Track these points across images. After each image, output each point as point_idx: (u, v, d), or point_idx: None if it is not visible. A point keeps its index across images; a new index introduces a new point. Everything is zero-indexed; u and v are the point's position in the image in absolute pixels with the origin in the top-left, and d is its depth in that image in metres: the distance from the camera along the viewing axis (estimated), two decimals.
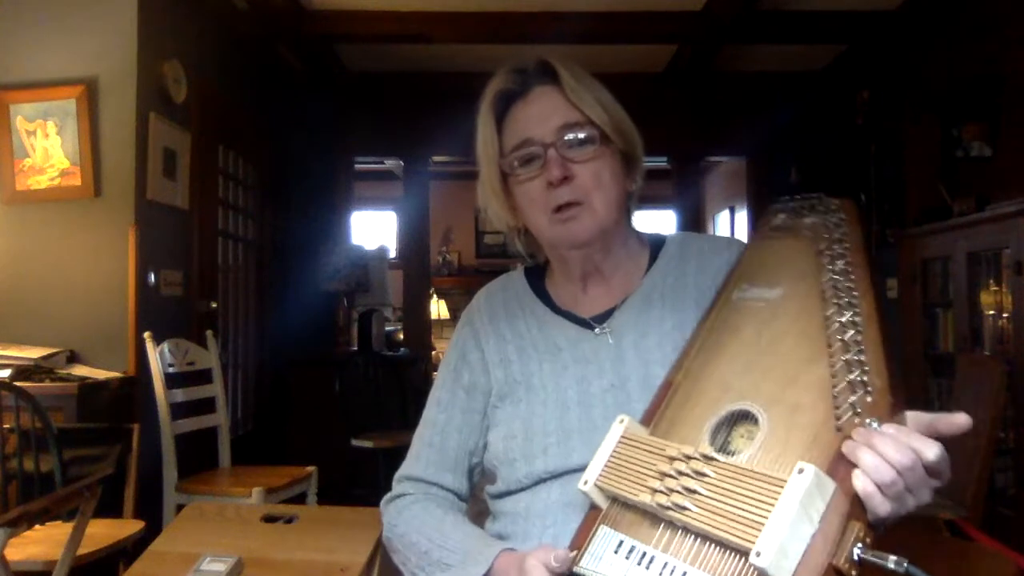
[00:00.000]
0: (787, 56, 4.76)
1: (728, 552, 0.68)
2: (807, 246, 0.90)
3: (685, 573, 0.70)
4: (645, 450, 0.79)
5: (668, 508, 0.72)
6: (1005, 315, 3.10)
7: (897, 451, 0.66)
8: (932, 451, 0.67)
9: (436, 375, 1.14)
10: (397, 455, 1.15)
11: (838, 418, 0.71)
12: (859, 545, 0.64)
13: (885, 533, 0.73)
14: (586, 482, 0.81)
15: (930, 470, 0.68)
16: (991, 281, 3.25)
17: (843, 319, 0.78)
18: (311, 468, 3.08)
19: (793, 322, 0.83)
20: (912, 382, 3.66)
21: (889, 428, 0.69)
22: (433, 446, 1.07)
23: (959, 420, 0.70)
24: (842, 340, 0.76)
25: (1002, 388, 2.59)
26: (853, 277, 0.82)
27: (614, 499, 0.80)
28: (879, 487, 0.66)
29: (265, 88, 4.68)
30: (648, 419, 0.86)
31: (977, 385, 2.72)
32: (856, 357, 0.74)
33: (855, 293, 0.80)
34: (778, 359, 0.80)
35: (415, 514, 1.02)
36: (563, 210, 0.97)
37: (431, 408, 1.11)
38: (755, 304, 0.89)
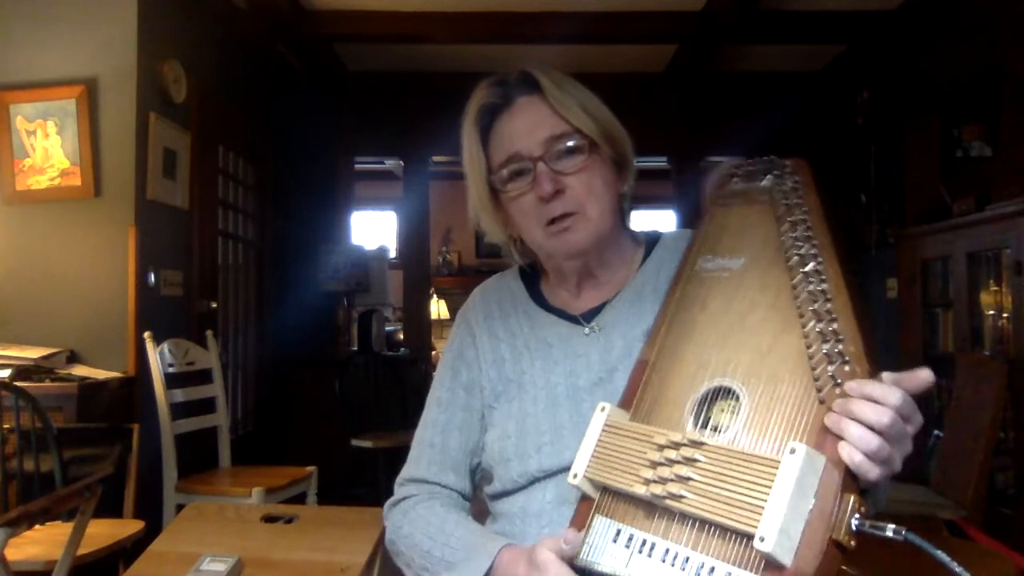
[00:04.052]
0: (787, 56, 4.76)
1: (729, 535, 0.69)
2: (765, 212, 0.90)
3: (688, 558, 0.71)
4: (632, 438, 0.79)
5: (664, 497, 0.73)
6: (1005, 315, 3.10)
7: (875, 412, 0.68)
8: (895, 396, 0.68)
9: (434, 375, 1.14)
10: (397, 455, 1.15)
11: (819, 390, 0.72)
12: (856, 516, 0.65)
13: (878, 488, 0.73)
14: (575, 475, 0.82)
15: (903, 416, 0.69)
16: (991, 281, 3.25)
17: (811, 288, 0.78)
18: (311, 468, 3.08)
19: (760, 293, 0.83)
20: None
21: (851, 384, 0.70)
22: (435, 446, 1.07)
23: (923, 375, 0.71)
24: (813, 310, 0.77)
25: (1002, 388, 2.59)
26: (816, 243, 0.82)
27: (605, 488, 0.80)
28: (867, 455, 0.67)
29: (265, 88, 4.68)
30: (628, 402, 0.86)
31: (977, 385, 2.72)
32: (829, 327, 0.75)
33: (820, 260, 0.80)
34: (750, 331, 0.81)
35: (419, 514, 1.02)
36: (558, 221, 0.96)
37: (431, 408, 1.10)
38: (720, 275, 0.88)
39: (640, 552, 0.74)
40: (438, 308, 7.73)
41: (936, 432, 2.97)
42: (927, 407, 3.22)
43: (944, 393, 3.27)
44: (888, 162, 4.33)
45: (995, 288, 3.22)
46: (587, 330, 1.02)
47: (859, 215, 4.57)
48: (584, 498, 0.82)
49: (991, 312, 3.24)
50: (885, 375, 0.71)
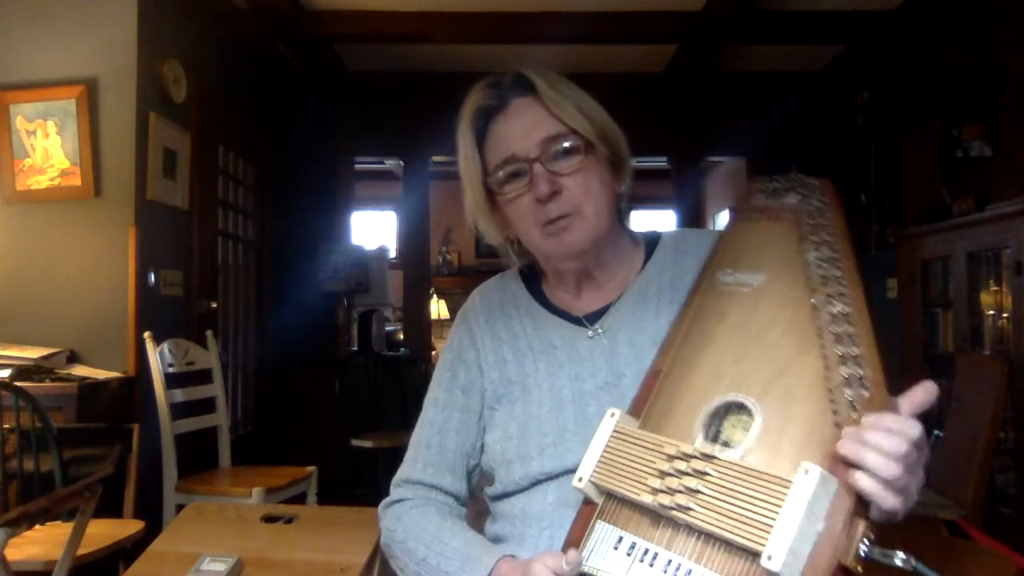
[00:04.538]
0: (787, 56, 4.76)
1: (734, 551, 0.69)
2: (789, 230, 0.89)
3: (691, 571, 0.70)
4: (641, 446, 0.78)
5: (671, 508, 0.72)
6: (1005, 315, 3.10)
7: (891, 442, 0.67)
8: (916, 429, 0.69)
9: (433, 376, 1.13)
10: (397, 455, 1.14)
11: (835, 412, 0.72)
12: (864, 542, 0.65)
13: (896, 521, 0.74)
14: (581, 479, 0.81)
15: (916, 446, 0.70)
16: (991, 281, 3.25)
17: (833, 310, 0.78)
18: (311, 468, 3.08)
19: (780, 310, 0.82)
20: (912, 382, 3.65)
21: (868, 418, 0.70)
22: (431, 447, 1.06)
23: (928, 388, 0.71)
24: (834, 333, 0.76)
25: (1002, 388, 2.59)
26: (841, 266, 0.81)
27: (609, 494, 0.80)
28: (885, 483, 0.67)
29: (265, 88, 4.67)
30: (638, 409, 0.85)
31: (977, 385, 2.72)
32: (850, 351, 0.74)
33: (843, 283, 0.79)
34: (767, 348, 0.80)
35: (413, 520, 1.01)
36: (555, 222, 0.96)
37: (428, 409, 1.10)
38: (739, 290, 0.88)
39: (641, 561, 0.73)
40: (438, 308, 7.73)
41: (936, 432, 2.97)
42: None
43: (944, 393, 3.27)
44: (888, 162, 4.33)
45: (995, 288, 3.22)
46: (591, 333, 1.02)
47: (859, 215, 4.57)
48: (587, 502, 0.81)
49: (991, 312, 3.24)
50: (901, 402, 0.71)
